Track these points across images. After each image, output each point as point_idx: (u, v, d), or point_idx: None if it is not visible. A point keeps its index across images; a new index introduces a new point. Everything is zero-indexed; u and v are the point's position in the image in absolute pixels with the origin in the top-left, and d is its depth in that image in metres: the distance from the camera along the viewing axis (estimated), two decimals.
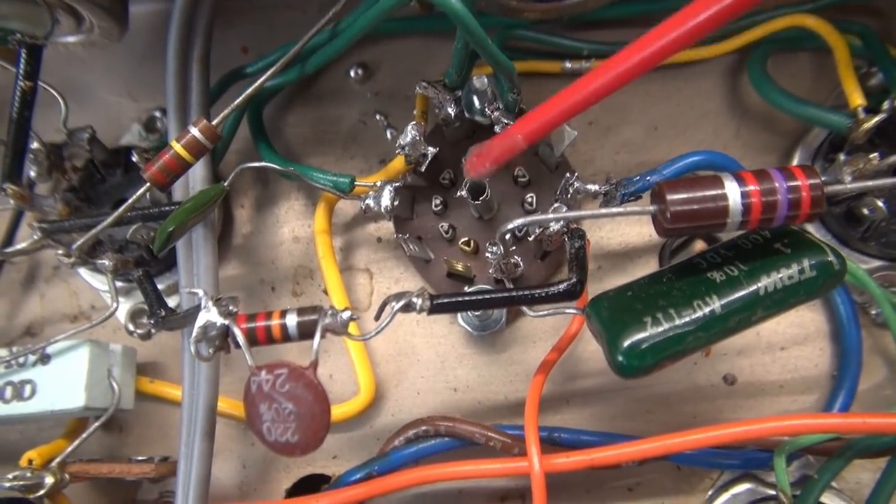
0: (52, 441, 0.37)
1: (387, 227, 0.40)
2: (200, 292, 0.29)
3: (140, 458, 0.36)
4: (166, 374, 0.40)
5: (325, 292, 0.40)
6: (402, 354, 0.39)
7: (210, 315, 0.28)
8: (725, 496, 0.35)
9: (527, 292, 0.29)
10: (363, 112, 0.42)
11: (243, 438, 0.39)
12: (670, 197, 0.26)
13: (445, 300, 0.29)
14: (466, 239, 0.38)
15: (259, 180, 0.43)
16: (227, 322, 0.28)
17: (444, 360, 0.39)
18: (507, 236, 0.31)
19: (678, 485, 0.36)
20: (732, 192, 0.26)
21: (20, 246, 0.33)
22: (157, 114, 0.43)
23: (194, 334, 0.28)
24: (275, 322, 0.29)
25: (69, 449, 0.34)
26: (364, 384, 0.37)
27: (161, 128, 0.43)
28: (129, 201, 0.32)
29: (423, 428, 0.35)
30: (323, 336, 0.28)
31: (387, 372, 0.39)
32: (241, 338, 0.28)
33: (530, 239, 0.35)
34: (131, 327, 0.40)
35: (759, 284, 0.27)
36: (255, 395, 0.28)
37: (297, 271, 0.41)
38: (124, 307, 0.40)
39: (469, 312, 0.37)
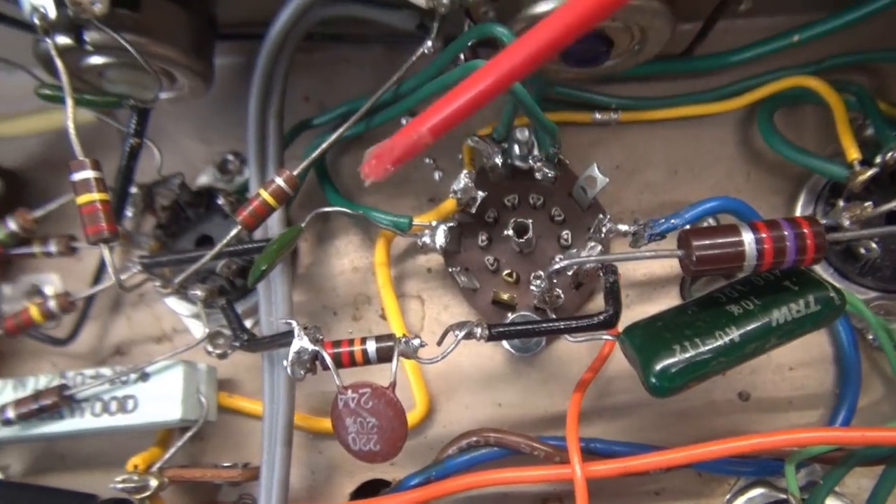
0: (142, 449, 0.41)
1: (436, 259, 0.45)
2: (294, 323, 0.34)
3: (226, 463, 0.40)
4: (240, 389, 0.45)
5: (383, 317, 0.44)
6: (452, 373, 0.44)
7: (303, 342, 0.33)
8: (742, 500, 0.39)
9: (572, 323, 0.34)
10: None
11: (311, 447, 0.44)
12: (695, 243, 0.31)
13: (502, 329, 0.34)
14: (509, 271, 0.43)
15: (319, 217, 0.48)
16: (316, 348, 0.33)
17: (490, 378, 0.43)
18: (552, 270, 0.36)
19: (699, 489, 0.41)
20: (748, 239, 0.31)
21: (134, 282, 0.38)
22: (230, 157, 0.48)
23: (290, 358, 0.33)
24: (357, 348, 0.33)
25: (167, 456, 0.39)
26: (419, 399, 0.42)
27: (232, 170, 0.48)
28: (224, 241, 0.37)
29: (475, 439, 0.40)
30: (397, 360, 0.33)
31: (438, 388, 0.44)
32: (329, 361, 0.33)
33: (569, 273, 0.40)
34: (210, 348, 0.45)
35: (772, 317, 0.31)
36: (342, 410, 0.33)
37: (356, 298, 0.46)
38: (203, 330, 0.45)
39: None
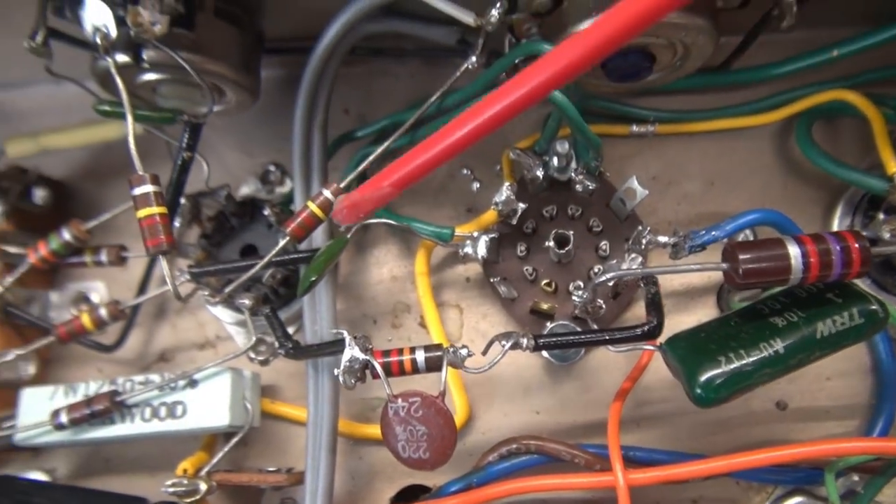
0: (184, 453, 0.42)
1: (474, 269, 0.46)
2: (345, 332, 0.34)
3: (271, 468, 0.41)
4: (282, 396, 0.46)
5: (422, 325, 0.45)
6: (491, 381, 0.44)
7: (354, 351, 0.34)
8: None
9: (615, 334, 0.35)
10: (451, 166, 0.48)
11: (351, 453, 0.45)
12: (742, 256, 0.31)
13: (547, 340, 0.35)
14: (548, 281, 0.43)
15: (359, 227, 0.49)
16: (367, 357, 0.34)
17: (528, 387, 0.44)
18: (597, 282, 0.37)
19: (737, 497, 0.41)
20: (794, 253, 0.31)
21: (184, 291, 0.39)
22: (272, 168, 0.49)
23: (342, 367, 0.34)
24: (406, 357, 0.34)
25: (214, 460, 0.40)
26: (460, 407, 0.43)
27: (274, 181, 0.49)
28: (273, 252, 0.38)
29: (515, 446, 0.40)
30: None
31: (477, 396, 0.44)
32: (380, 370, 0.34)
33: (609, 283, 0.40)
34: (252, 355, 0.46)
35: (816, 329, 0.32)
36: (391, 418, 0.34)
37: (395, 306, 0.47)
38: (252, 337, 0.46)
39: None
